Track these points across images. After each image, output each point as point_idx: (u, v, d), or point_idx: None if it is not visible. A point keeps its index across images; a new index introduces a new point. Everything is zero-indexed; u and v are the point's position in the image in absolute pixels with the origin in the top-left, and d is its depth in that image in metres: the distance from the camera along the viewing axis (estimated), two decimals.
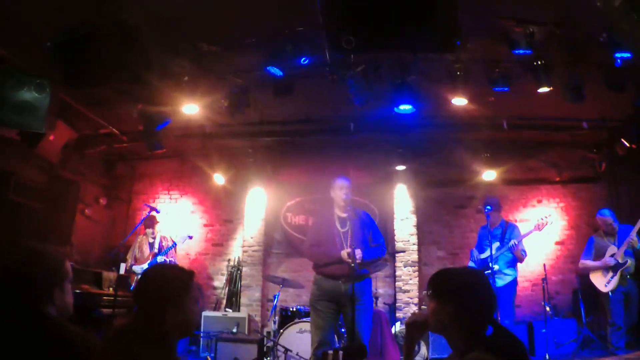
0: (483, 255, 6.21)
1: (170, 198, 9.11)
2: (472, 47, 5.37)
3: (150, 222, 7.41)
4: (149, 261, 7.14)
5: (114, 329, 2.00)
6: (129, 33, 4.65)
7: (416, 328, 2.21)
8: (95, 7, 4.47)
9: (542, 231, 6.34)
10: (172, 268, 2.45)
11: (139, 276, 2.21)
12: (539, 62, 5.53)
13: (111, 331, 2.01)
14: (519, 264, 6.26)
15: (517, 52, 5.13)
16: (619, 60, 5.18)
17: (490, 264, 5.99)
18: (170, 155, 8.46)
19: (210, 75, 5.80)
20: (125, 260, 7.21)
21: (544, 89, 5.66)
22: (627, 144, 7.48)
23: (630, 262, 6.10)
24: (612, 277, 6.19)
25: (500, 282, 5.96)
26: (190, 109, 6.14)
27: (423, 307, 7.59)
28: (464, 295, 2.01)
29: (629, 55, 5.07)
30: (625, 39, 4.96)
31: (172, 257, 7.28)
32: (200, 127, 7.37)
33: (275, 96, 5.76)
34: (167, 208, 8.89)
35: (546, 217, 6.31)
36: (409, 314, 7.73)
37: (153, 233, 7.41)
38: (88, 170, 8.40)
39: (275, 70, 5.39)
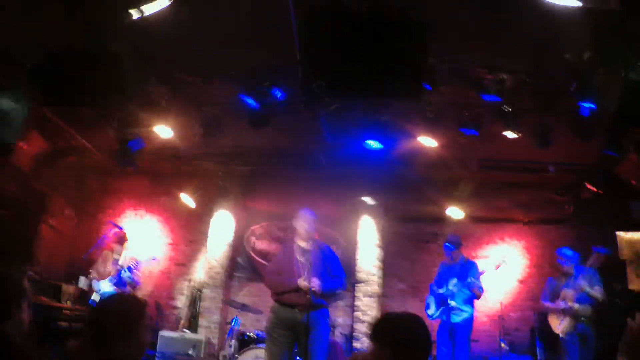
0: (441, 290, 6.34)
1: (137, 215, 9.06)
2: (444, 91, 5.54)
3: (121, 239, 7.38)
4: (110, 277, 7.07)
5: (68, 351, 2.06)
6: (111, 59, 4.72)
7: None
8: (81, 34, 4.55)
9: (498, 271, 6.49)
10: (128, 299, 2.50)
11: (95, 304, 2.27)
12: (508, 108, 5.74)
13: (65, 353, 2.08)
14: (476, 301, 6.39)
15: (487, 97, 5.32)
16: (586, 110, 5.42)
17: (447, 300, 6.12)
18: (141, 173, 8.46)
19: (187, 103, 5.92)
20: (88, 274, 7.17)
21: (511, 134, 5.86)
22: (593, 189, 7.75)
23: (578, 306, 6.15)
24: (562, 320, 6.30)
25: (457, 318, 6.07)
26: (165, 132, 6.25)
27: None
28: (401, 341, 2.12)
29: (594, 106, 5.31)
30: (593, 91, 5.20)
31: (135, 275, 7.24)
32: (174, 150, 7.42)
33: (250, 127, 5.86)
34: (133, 225, 8.83)
35: (504, 260, 6.49)
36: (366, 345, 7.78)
37: (118, 250, 7.37)
38: (59, 182, 8.31)
39: (251, 102, 5.51)
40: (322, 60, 4.19)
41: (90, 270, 7.23)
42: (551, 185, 8.77)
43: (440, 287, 6.42)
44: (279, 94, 5.35)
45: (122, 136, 6.51)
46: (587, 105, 5.35)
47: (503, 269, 6.60)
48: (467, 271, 6.23)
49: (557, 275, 6.70)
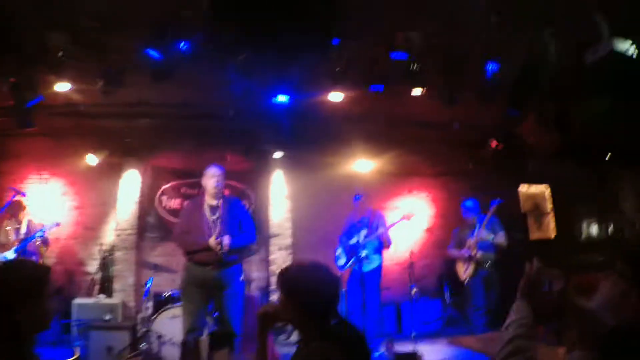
0: (352, 242, 6.55)
1: (41, 179, 8.52)
2: (353, 46, 5.58)
3: (16, 208, 6.98)
4: (15, 247, 6.70)
5: None
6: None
7: (268, 318, 2.33)
8: None
9: (410, 221, 6.77)
10: (26, 265, 2.37)
11: None
12: (415, 66, 5.84)
13: None
14: (384, 250, 6.67)
15: (394, 55, 5.42)
16: (489, 72, 5.68)
17: (358, 250, 6.34)
18: (42, 134, 7.96)
19: (87, 54, 5.56)
20: None
21: (417, 92, 6.04)
22: (495, 145, 8.22)
23: (480, 254, 6.64)
24: (467, 267, 6.78)
25: (367, 267, 6.32)
26: (63, 86, 5.89)
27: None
28: (308, 290, 2.17)
29: (496, 67, 5.56)
30: (497, 53, 5.44)
31: (39, 242, 6.92)
32: (75, 106, 7.01)
33: (153, 80, 5.65)
34: (36, 190, 8.33)
35: (412, 211, 6.78)
36: None
37: (19, 218, 6.98)
38: None
39: (154, 53, 5.29)
40: (229, 9, 4.10)
41: None
42: (455, 140, 9.18)
43: (349, 238, 6.62)
44: (183, 45, 5.16)
45: (17, 94, 6.06)
46: (491, 67, 5.62)
47: (412, 219, 6.88)
48: (375, 222, 6.44)
49: (462, 225, 7.10)
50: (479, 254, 6.64)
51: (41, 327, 2.06)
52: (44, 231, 6.90)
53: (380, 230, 6.37)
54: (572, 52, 4.90)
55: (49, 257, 7.75)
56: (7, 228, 6.94)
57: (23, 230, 6.89)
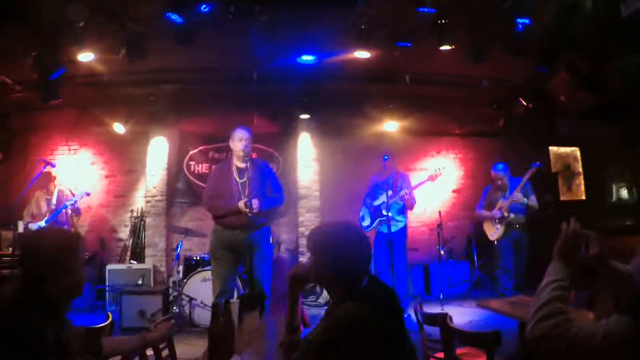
0: (376, 203, 6.52)
1: (70, 150, 8.65)
2: (378, 3, 5.45)
3: (46, 179, 7.08)
4: (46, 218, 6.86)
5: (3, 298, 1.95)
6: None
7: (298, 280, 2.30)
8: None
9: (435, 182, 6.68)
10: (57, 233, 2.36)
11: (22, 243, 2.16)
12: (443, 21, 5.69)
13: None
14: (409, 211, 6.62)
15: (421, 10, 5.25)
16: (519, 26, 5.47)
17: (383, 211, 6.31)
18: (67, 106, 8.00)
19: (108, 22, 5.53)
20: (22, 218, 6.92)
21: (445, 48, 5.86)
22: (525, 104, 8.01)
23: (513, 216, 6.53)
24: (497, 228, 6.68)
25: (392, 228, 6.29)
26: (86, 57, 5.83)
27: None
28: (338, 250, 2.12)
29: (528, 21, 5.36)
30: (527, 7, 5.23)
31: (70, 212, 7.04)
32: (99, 76, 6.98)
33: (176, 44, 5.59)
34: (66, 160, 8.47)
35: (439, 170, 6.66)
36: None
37: (50, 189, 7.10)
38: None
39: (176, 17, 5.23)
40: None
41: (24, 215, 6.98)
42: (484, 99, 8.97)
43: (374, 199, 6.59)
44: (204, 7, 5.08)
45: (41, 67, 6.08)
46: (521, 21, 5.41)
47: (439, 179, 6.78)
48: (400, 183, 6.37)
49: (492, 186, 6.95)
50: (512, 216, 6.54)
51: (74, 293, 2.08)
52: (75, 201, 7.00)
53: (405, 191, 6.30)
54: (607, 6, 4.68)
55: (81, 226, 7.94)
56: (39, 199, 7.08)
57: (54, 200, 7.02)
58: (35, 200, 7.11)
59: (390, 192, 6.30)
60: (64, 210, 6.95)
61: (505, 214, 6.57)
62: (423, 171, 8.68)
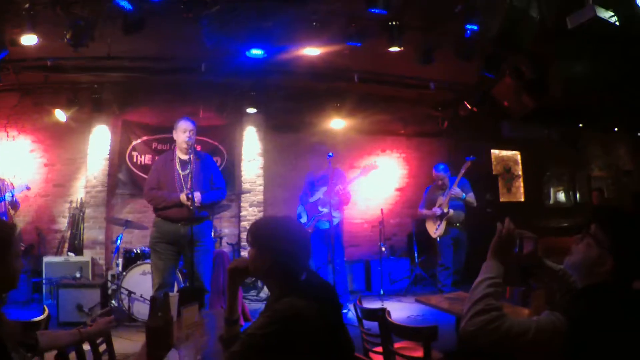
0: (312, 199, 6.62)
1: (8, 136, 8.27)
2: (331, 0, 5.48)
3: None
4: None
5: None
6: None
7: (237, 273, 2.29)
8: None
9: (368, 176, 6.76)
10: None
11: None
12: (394, 23, 5.80)
13: None
14: (344, 207, 6.71)
15: (373, 10, 5.31)
16: (468, 32, 5.63)
17: (319, 207, 6.45)
18: (8, 89, 7.71)
19: (54, 5, 5.33)
20: None
21: (395, 49, 5.97)
22: (469, 107, 8.26)
23: (452, 212, 6.77)
24: (439, 225, 6.88)
25: (328, 224, 6.38)
26: (30, 39, 5.58)
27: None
28: (279, 244, 2.12)
29: (476, 27, 5.52)
30: (476, 13, 5.38)
31: (9, 204, 6.67)
32: (42, 60, 6.77)
33: (124, 32, 5.46)
34: (4, 147, 8.09)
35: (373, 162, 6.80)
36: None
37: None
38: None
39: (125, 4, 5.08)
40: None
41: None
42: (430, 101, 9.21)
43: (310, 196, 6.69)
44: None
45: None
46: (469, 27, 5.57)
47: (374, 174, 6.88)
48: (335, 179, 6.45)
49: (433, 185, 7.17)
50: (451, 212, 6.77)
51: (8, 286, 2.02)
52: (13, 194, 6.66)
53: (339, 186, 6.37)
54: (553, 15, 4.88)
55: (18, 217, 7.59)
56: None
57: None
58: None
59: (325, 188, 6.39)
60: (1, 203, 6.60)
61: (445, 210, 6.78)
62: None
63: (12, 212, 6.86)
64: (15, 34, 5.54)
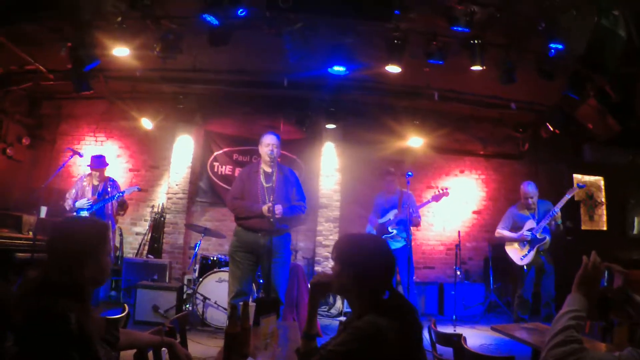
0: (382, 220, 6.59)
1: (96, 141, 8.79)
2: (413, 18, 5.48)
3: (98, 163, 6.82)
4: (90, 203, 6.58)
5: (28, 281, 1.98)
6: None
7: (320, 288, 2.29)
8: None
9: (440, 202, 6.63)
10: (88, 221, 2.40)
11: (52, 230, 2.18)
12: (476, 41, 5.73)
13: (25, 283, 2.00)
14: (414, 229, 6.62)
15: (455, 28, 5.26)
16: (552, 50, 5.45)
17: (388, 228, 6.47)
18: (98, 97, 8.17)
19: (145, 19, 5.63)
20: (63, 202, 6.76)
21: (476, 67, 5.86)
22: (551, 128, 7.92)
23: (548, 240, 6.24)
24: (529, 251, 6.32)
25: (397, 244, 6.35)
26: (121, 51, 5.95)
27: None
28: (364, 261, 2.11)
29: (561, 47, 5.34)
30: (561, 32, 5.21)
31: (119, 204, 6.86)
32: (131, 70, 7.13)
33: (210, 45, 5.67)
34: (92, 151, 8.54)
35: (444, 190, 6.66)
36: (327, 269, 7.97)
37: (99, 176, 6.84)
38: (12, 108, 7.98)
39: (212, 19, 5.28)
40: None
41: (66, 197, 6.73)
42: (511, 121, 8.94)
43: (379, 217, 6.69)
44: (241, 11, 5.14)
45: (76, 57, 6.19)
46: (554, 45, 5.39)
47: (445, 199, 6.75)
48: (405, 202, 6.34)
49: (518, 205, 6.66)
50: (548, 240, 6.27)
51: (100, 281, 2.11)
52: (124, 193, 6.79)
53: (411, 210, 6.30)
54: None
55: (123, 222, 7.94)
56: (85, 183, 6.83)
57: (101, 187, 6.79)
58: (83, 184, 6.81)
59: (395, 211, 6.36)
60: (109, 203, 6.72)
61: (539, 237, 6.27)
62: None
63: (121, 212, 7.13)
64: (107, 45, 5.88)
